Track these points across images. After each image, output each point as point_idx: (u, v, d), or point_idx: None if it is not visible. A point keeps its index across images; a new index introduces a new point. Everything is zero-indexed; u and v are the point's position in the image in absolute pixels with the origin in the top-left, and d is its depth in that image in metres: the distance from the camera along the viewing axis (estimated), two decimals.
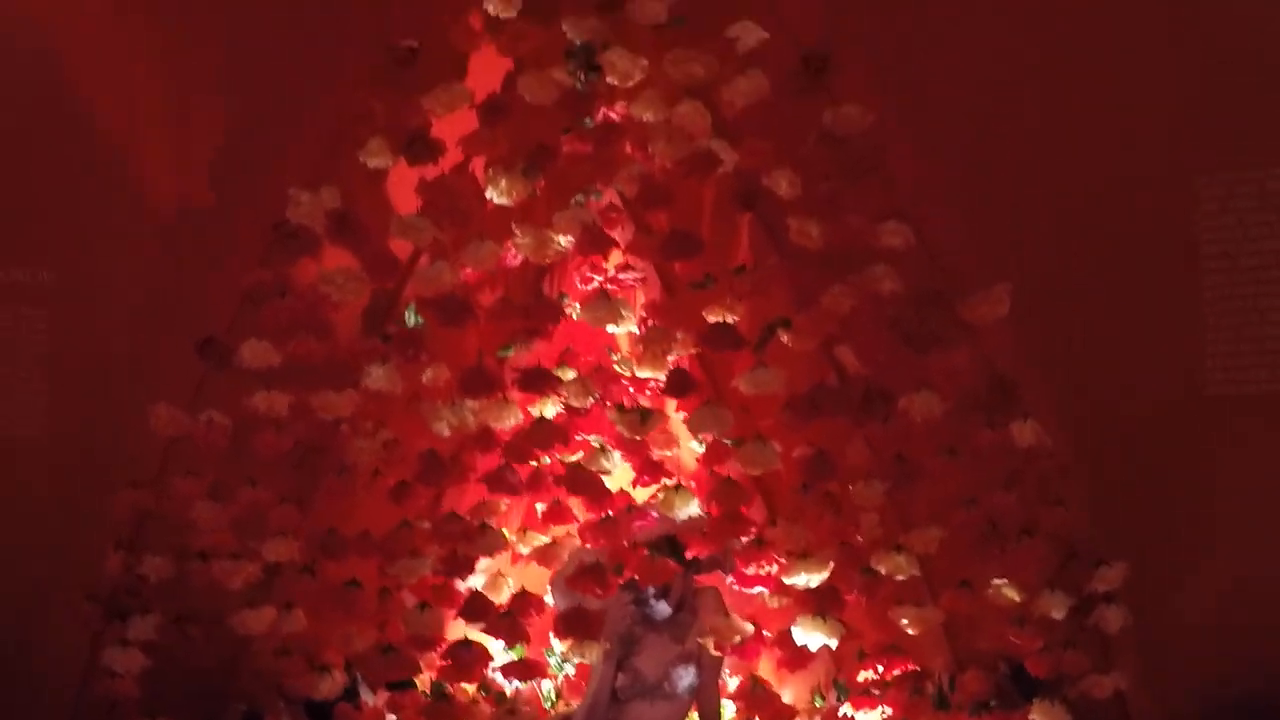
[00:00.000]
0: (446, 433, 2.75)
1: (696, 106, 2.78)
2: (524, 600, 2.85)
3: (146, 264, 2.71)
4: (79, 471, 2.71)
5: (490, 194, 2.75)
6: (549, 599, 2.97)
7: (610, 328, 2.86)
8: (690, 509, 2.78)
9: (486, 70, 2.89)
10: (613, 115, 2.89)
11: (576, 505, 2.92)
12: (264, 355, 2.69)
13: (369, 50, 2.80)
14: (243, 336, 2.72)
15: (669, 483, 2.88)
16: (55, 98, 2.59)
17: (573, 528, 2.94)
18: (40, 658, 2.78)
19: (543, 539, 2.96)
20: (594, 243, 2.78)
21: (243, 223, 2.76)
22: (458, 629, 2.91)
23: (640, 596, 2.89)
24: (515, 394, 2.87)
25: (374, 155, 2.75)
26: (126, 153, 2.65)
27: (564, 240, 2.74)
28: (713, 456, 2.88)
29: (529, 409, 2.86)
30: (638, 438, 2.81)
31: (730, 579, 2.90)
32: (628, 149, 2.84)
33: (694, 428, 2.80)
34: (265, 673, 2.87)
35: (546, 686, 3.10)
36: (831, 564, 2.83)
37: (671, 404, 2.97)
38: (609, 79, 2.78)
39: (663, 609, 2.92)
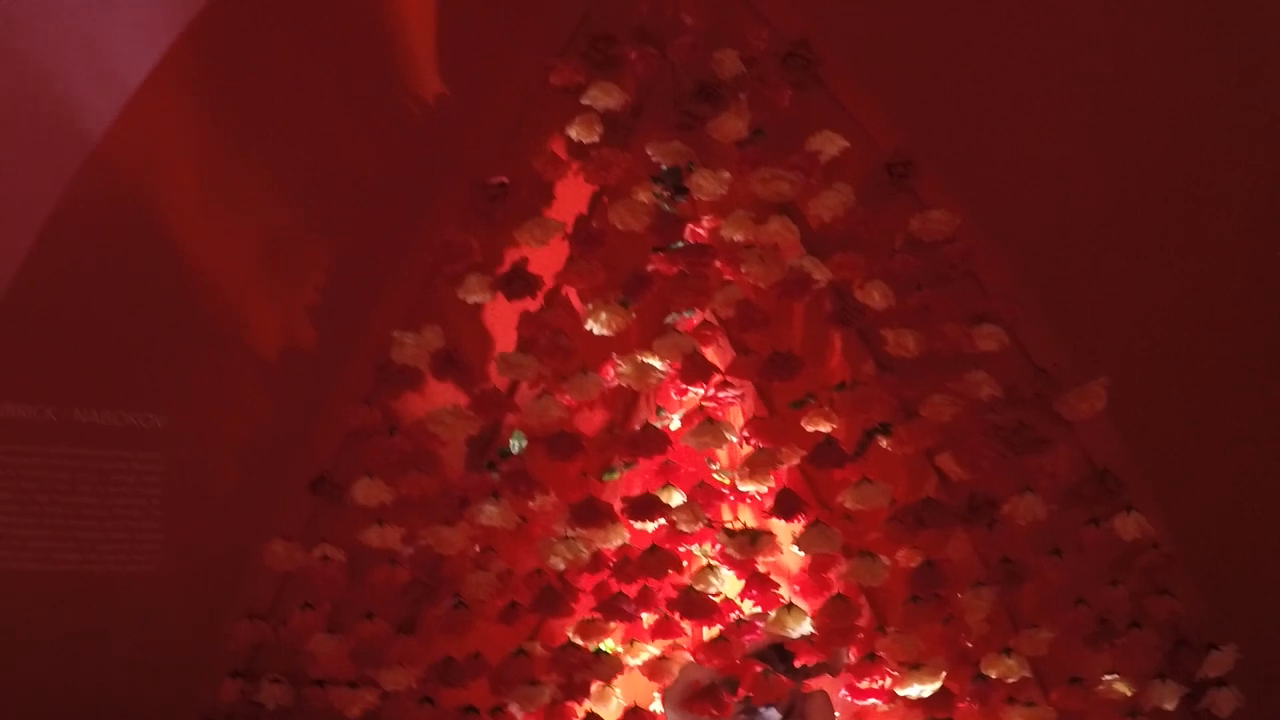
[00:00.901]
0: (562, 566, 2.78)
1: (785, 223, 2.81)
2: (636, 717, 2.86)
3: (253, 405, 2.77)
4: (194, 604, 2.77)
5: (591, 326, 2.79)
6: (656, 706, 2.98)
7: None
8: (803, 628, 2.78)
9: (571, 194, 2.93)
10: (700, 231, 2.91)
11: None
12: (376, 493, 2.74)
13: (459, 187, 2.84)
14: (350, 472, 2.77)
15: (779, 594, 2.88)
16: (159, 250, 2.66)
17: (681, 640, 2.94)
18: None
19: (651, 649, 2.96)
20: (696, 371, 2.80)
21: (344, 361, 2.81)
22: None
23: (749, 704, 2.90)
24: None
25: (472, 292, 2.80)
26: (230, 301, 2.73)
27: (665, 366, 2.77)
28: (819, 565, 2.87)
29: (633, 525, 2.87)
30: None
31: (843, 692, 2.89)
32: (718, 265, 2.86)
33: (805, 546, 2.81)
34: None
35: None
36: (944, 673, 2.81)
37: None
38: (697, 197, 2.82)
39: (772, 715, 2.92)
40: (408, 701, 2.79)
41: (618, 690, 2.99)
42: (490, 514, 2.73)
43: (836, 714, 2.96)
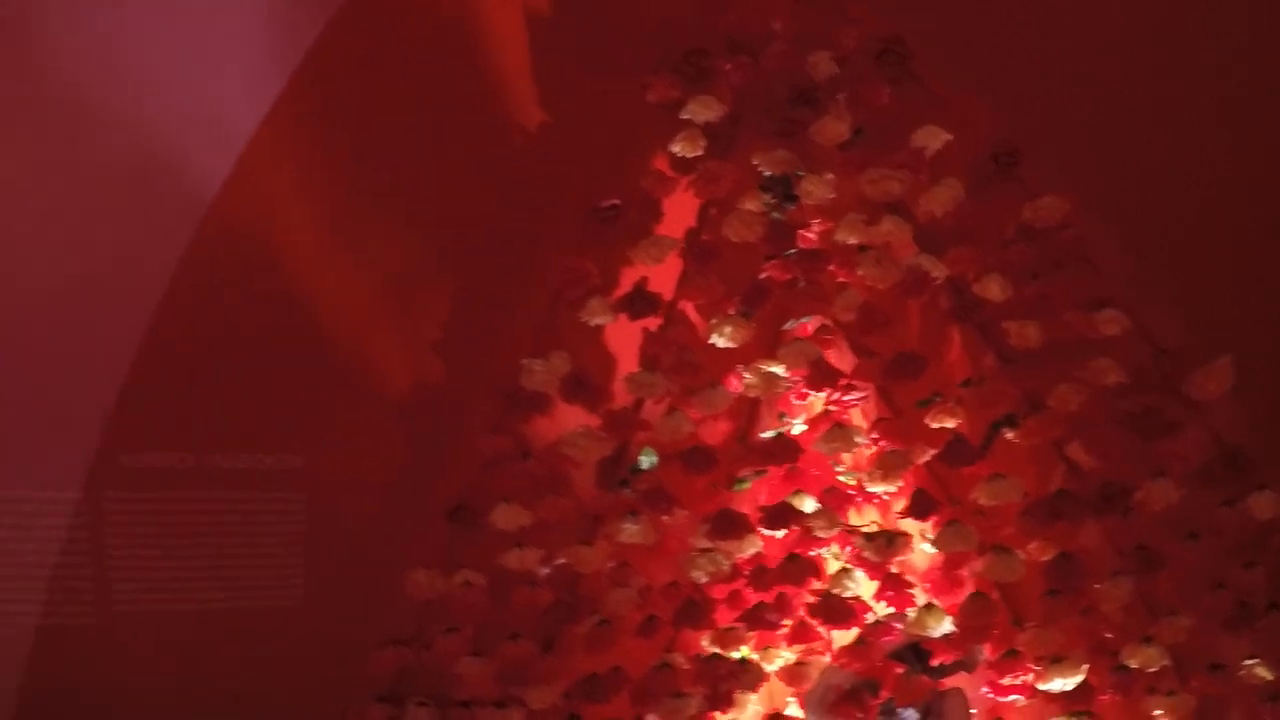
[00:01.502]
0: (705, 579, 2.80)
1: (897, 222, 2.81)
2: None
3: (387, 440, 2.82)
4: (339, 634, 2.82)
5: (714, 340, 2.80)
6: (790, 709, 2.98)
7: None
8: (944, 627, 2.78)
9: (677, 209, 2.94)
10: (810, 236, 2.91)
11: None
12: (515, 517, 2.77)
13: (570, 212, 2.88)
14: (485, 499, 2.81)
15: (912, 594, 2.87)
16: (285, 296, 2.72)
17: (817, 644, 2.94)
18: None
19: (786, 655, 2.96)
20: (823, 377, 2.81)
21: (473, 392, 2.85)
22: None
23: (887, 704, 2.89)
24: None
25: (595, 314, 2.83)
26: (358, 341, 2.77)
27: (789, 373, 2.79)
28: (952, 563, 2.86)
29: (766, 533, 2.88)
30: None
31: (985, 689, 2.88)
32: (831, 270, 2.86)
33: (942, 545, 2.80)
34: None
35: None
36: (1086, 666, 2.79)
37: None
38: (805, 203, 2.82)
39: (910, 716, 2.91)
40: (553, 719, 2.82)
41: (753, 697, 2.99)
42: (631, 532, 2.76)
43: (973, 711, 2.94)
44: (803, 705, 2.95)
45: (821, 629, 2.89)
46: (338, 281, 2.75)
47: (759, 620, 2.85)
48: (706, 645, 2.96)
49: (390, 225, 2.79)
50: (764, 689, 2.98)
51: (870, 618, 2.91)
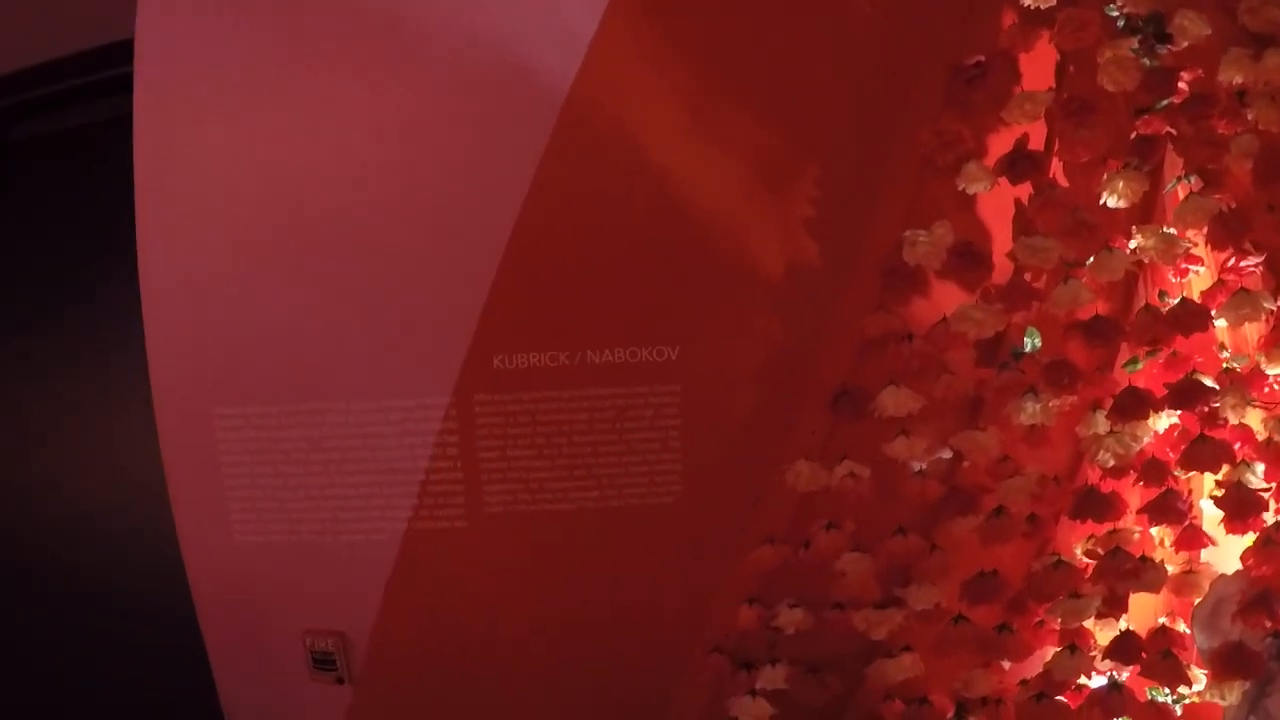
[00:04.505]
0: (1111, 463, 2.63)
1: None
2: (1163, 637, 2.68)
3: (763, 326, 2.73)
4: (711, 532, 2.76)
5: (1108, 199, 2.62)
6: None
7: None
8: None
9: (1029, 65, 2.75)
10: (1181, 85, 2.67)
11: (1212, 526, 2.69)
12: (906, 402, 2.65)
13: (929, 75, 2.73)
14: (867, 384, 2.70)
15: None
16: (649, 188, 2.67)
17: (1207, 549, 2.72)
18: (673, 706, 2.86)
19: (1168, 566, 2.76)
20: (1228, 233, 2.57)
21: (848, 270, 2.74)
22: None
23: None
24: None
25: (973, 180, 2.67)
26: (726, 227, 2.69)
27: (1192, 236, 2.57)
28: None
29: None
30: None
31: None
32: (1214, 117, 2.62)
33: None
34: (874, 715, 2.84)
35: None
36: None
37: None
38: (1180, 44, 2.58)
39: None
40: (936, 620, 2.70)
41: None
42: (1030, 412, 2.60)
43: None
44: (1192, 619, 2.73)
45: (1218, 531, 2.66)
46: (702, 169, 2.68)
47: (1169, 511, 2.63)
48: (1079, 548, 2.78)
49: (749, 108, 2.70)
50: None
51: (1268, 517, 2.66)
